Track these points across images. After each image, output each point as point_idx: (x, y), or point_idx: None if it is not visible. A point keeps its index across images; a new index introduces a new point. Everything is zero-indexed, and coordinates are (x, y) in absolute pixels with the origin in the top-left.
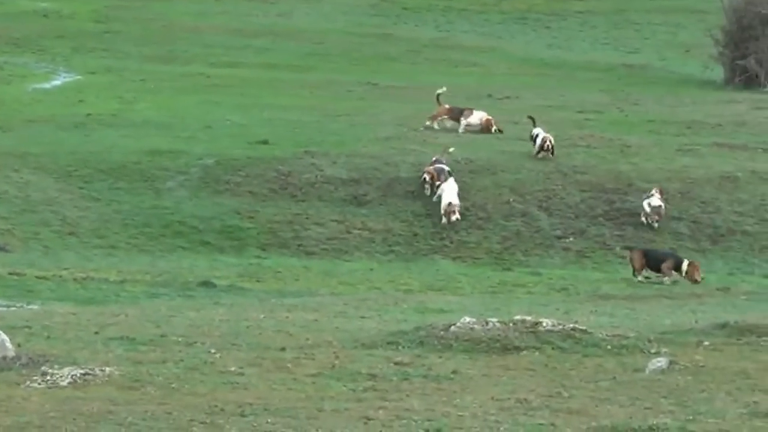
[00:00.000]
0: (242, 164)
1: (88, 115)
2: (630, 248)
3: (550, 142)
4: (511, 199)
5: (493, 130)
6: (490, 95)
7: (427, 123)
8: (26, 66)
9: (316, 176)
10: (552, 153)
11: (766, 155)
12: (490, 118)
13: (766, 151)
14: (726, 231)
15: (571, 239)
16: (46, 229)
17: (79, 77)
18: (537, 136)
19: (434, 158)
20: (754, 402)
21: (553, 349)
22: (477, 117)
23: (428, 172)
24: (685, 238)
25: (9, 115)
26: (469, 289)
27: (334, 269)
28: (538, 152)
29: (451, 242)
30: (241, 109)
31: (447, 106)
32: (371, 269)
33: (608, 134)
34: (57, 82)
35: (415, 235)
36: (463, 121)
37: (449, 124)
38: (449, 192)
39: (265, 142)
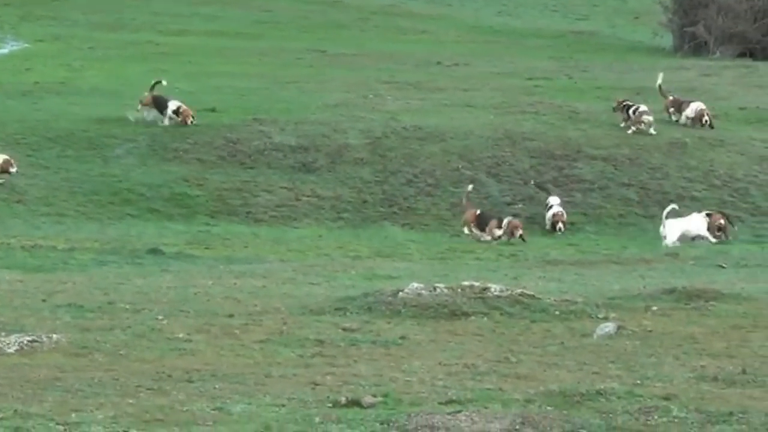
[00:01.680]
0: (190, 132)
1: (36, 83)
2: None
3: (563, 223)
4: (459, 166)
5: (703, 121)
6: (439, 63)
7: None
8: None
9: (265, 143)
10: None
11: (714, 121)
12: (704, 108)
13: (714, 116)
14: (675, 197)
15: (520, 206)
16: None
17: (26, 45)
18: (550, 207)
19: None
20: (702, 366)
21: (501, 314)
22: (693, 109)
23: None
24: (633, 203)
25: None
26: (418, 255)
27: (283, 236)
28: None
29: (400, 209)
30: (189, 77)
31: (671, 97)
32: (320, 236)
33: (557, 101)
34: (4, 51)
35: (364, 202)
36: (684, 113)
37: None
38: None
39: (214, 110)
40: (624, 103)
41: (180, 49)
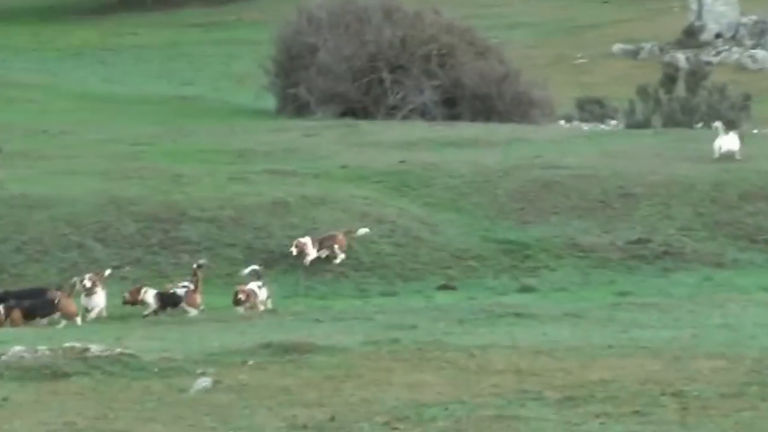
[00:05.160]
0: None
1: None
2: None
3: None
4: (67, 232)
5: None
6: (45, 131)
7: None
8: None
9: None
10: None
11: (316, 180)
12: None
13: (316, 176)
14: (279, 255)
15: (127, 269)
16: None
17: None
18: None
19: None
20: (293, 415)
21: (101, 373)
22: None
23: None
24: (239, 263)
25: None
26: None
27: None
28: None
29: (10, 276)
30: None
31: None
32: None
33: (161, 165)
34: None
35: None
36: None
37: None
38: None
39: None
40: None
41: None
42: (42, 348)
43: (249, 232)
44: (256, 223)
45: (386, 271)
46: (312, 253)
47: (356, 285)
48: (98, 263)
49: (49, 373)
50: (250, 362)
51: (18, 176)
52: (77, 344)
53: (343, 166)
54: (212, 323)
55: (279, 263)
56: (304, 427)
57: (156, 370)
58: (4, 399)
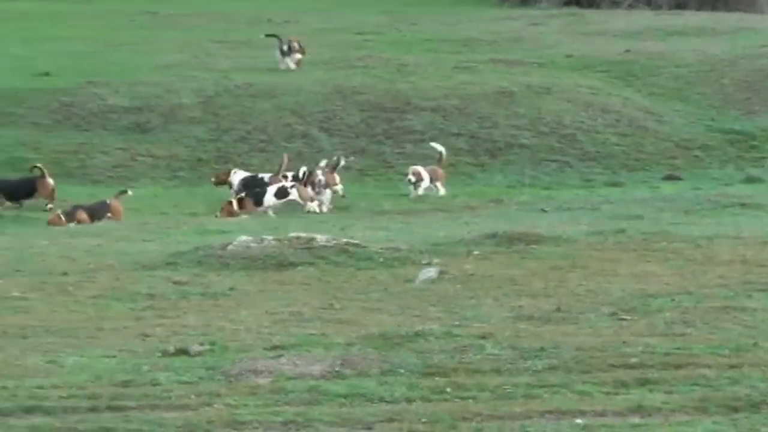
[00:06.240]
0: (25, 96)
1: None
2: None
3: None
4: (291, 122)
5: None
6: (270, 20)
7: None
8: None
9: (99, 105)
10: None
11: (541, 69)
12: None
13: (541, 65)
14: (504, 145)
15: (352, 158)
16: None
17: None
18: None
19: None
20: (519, 306)
21: (327, 263)
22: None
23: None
24: (464, 153)
25: None
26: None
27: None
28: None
29: (235, 166)
30: (22, 42)
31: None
32: (156, 195)
33: (386, 54)
34: None
35: (199, 160)
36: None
37: None
38: None
39: (47, 74)
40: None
41: (12, 15)
42: (268, 238)
43: (473, 121)
44: (481, 112)
45: (611, 161)
46: (426, 182)
47: (581, 175)
48: (322, 153)
49: (275, 262)
50: (476, 252)
51: (242, 66)
52: (303, 234)
53: (568, 56)
54: (437, 213)
55: (503, 153)
56: (530, 317)
57: (381, 260)
58: (231, 288)
